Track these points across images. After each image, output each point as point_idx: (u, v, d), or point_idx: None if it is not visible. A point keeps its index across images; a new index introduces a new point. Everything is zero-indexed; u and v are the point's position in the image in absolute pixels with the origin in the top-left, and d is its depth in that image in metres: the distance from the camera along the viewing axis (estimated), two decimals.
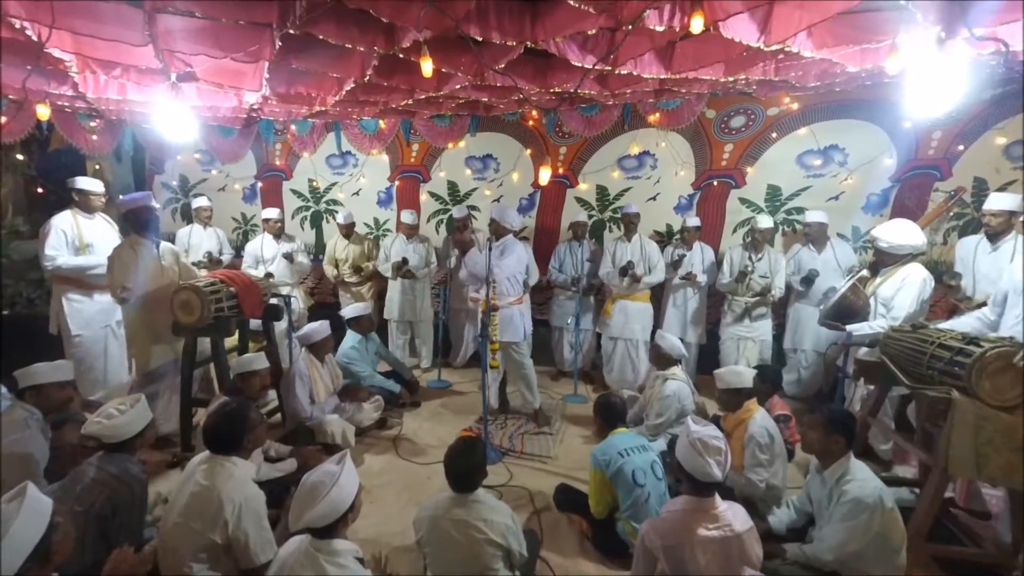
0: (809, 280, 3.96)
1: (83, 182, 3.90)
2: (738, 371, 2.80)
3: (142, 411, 2.22)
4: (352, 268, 5.01)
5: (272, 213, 4.82)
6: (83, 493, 1.98)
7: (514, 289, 3.71)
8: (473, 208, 5.19)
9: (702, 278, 4.33)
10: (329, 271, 5.09)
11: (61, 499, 1.92)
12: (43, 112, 3.47)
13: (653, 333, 3.92)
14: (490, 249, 3.34)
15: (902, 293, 2.99)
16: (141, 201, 3.36)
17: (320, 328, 3.52)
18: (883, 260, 3.14)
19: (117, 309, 3.90)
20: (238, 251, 6.03)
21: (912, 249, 3.04)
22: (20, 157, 4.91)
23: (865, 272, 3.23)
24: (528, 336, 3.84)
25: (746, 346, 4.30)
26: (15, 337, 4.41)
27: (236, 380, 2.93)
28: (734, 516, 1.78)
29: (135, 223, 3.34)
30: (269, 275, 4.55)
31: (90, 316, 3.84)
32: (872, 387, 2.88)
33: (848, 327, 2.97)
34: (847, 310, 3.07)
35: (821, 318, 3.26)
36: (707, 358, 4.59)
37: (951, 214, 3.92)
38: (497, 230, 3.71)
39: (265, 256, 4.75)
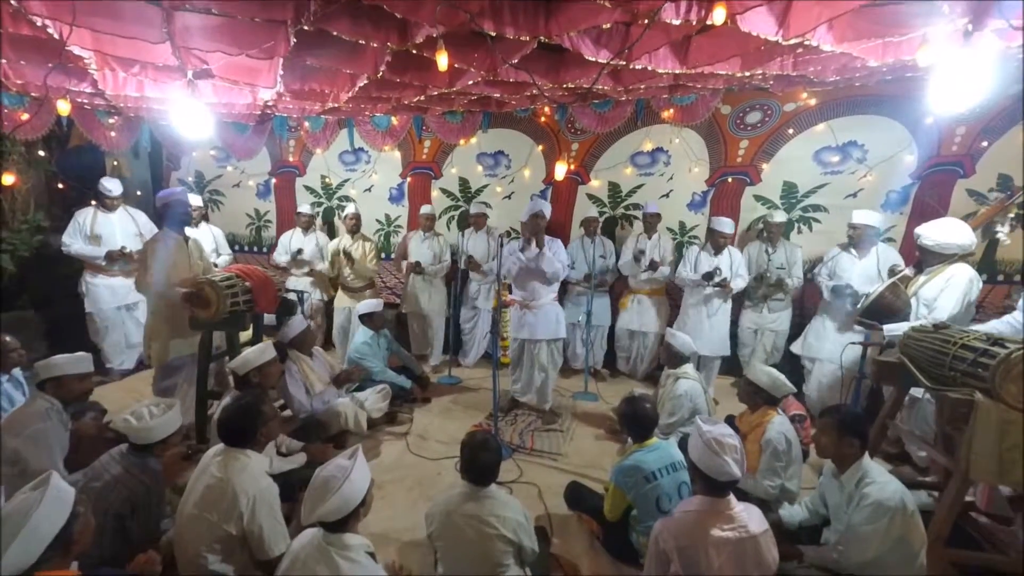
0: (838, 292, 3.61)
1: (102, 182, 4.50)
2: (773, 375, 2.61)
3: (173, 417, 2.23)
4: (355, 270, 4.77)
5: (304, 208, 5.31)
6: (103, 490, 2.01)
7: (555, 287, 3.80)
8: (485, 204, 5.18)
9: (735, 283, 4.09)
10: (329, 271, 4.94)
11: (81, 490, 1.95)
12: (63, 108, 3.53)
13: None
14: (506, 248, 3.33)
15: (946, 294, 2.87)
16: (175, 196, 3.47)
17: (295, 324, 3.51)
18: (927, 259, 2.99)
19: (128, 292, 4.41)
20: (249, 247, 6.12)
21: (959, 249, 2.88)
22: (41, 153, 5.00)
23: (908, 271, 3.10)
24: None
25: (763, 335, 4.30)
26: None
27: (252, 375, 2.86)
28: (750, 517, 1.75)
29: (166, 217, 3.46)
30: (299, 251, 5.14)
31: (99, 295, 4.46)
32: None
33: (885, 327, 2.84)
34: (886, 309, 2.92)
35: (857, 316, 3.15)
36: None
37: (1011, 215, 3.70)
38: (541, 226, 3.64)
39: (293, 247, 5.26)
